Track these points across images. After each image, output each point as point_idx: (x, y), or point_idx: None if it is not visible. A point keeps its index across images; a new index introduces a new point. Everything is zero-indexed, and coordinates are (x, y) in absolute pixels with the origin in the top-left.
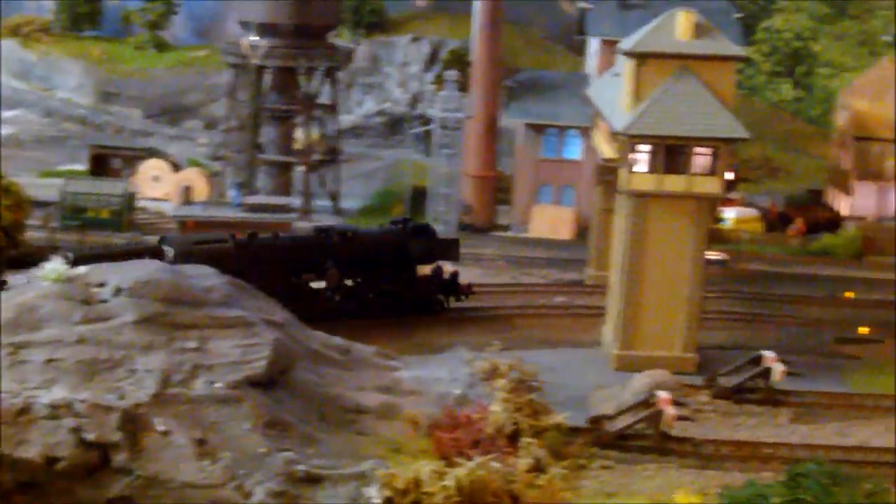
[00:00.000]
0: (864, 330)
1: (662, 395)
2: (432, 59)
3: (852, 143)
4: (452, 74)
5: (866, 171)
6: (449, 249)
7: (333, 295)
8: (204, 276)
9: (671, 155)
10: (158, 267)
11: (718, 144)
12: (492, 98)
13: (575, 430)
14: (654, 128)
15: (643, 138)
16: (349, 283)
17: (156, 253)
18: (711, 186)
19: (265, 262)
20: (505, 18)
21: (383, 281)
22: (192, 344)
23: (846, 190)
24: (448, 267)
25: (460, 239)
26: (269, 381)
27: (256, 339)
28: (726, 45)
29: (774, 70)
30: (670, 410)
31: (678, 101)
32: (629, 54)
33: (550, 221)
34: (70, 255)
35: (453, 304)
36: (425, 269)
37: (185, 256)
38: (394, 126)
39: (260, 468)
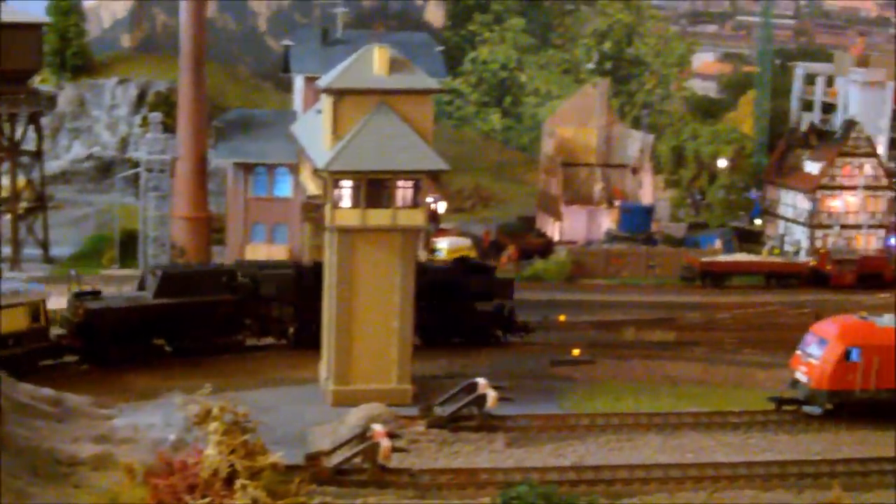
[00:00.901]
0: (576, 351)
1: (377, 427)
2: (140, 100)
3: (560, 169)
4: (157, 116)
5: (574, 196)
6: (504, 288)
7: None
8: None
9: (374, 189)
10: None
11: (419, 177)
12: (199, 138)
13: (293, 469)
14: (354, 163)
15: (344, 174)
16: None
17: (232, 275)
18: (415, 219)
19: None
20: (210, 58)
21: (444, 312)
22: None
23: (556, 215)
24: None
25: (514, 279)
26: None
27: None
28: (421, 79)
29: (483, 100)
30: (385, 443)
31: (377, 136)
32: (326, 91)
33: None
34: (159, 271)
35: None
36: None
37: (253, 280)
38: (104, 170)
39: None
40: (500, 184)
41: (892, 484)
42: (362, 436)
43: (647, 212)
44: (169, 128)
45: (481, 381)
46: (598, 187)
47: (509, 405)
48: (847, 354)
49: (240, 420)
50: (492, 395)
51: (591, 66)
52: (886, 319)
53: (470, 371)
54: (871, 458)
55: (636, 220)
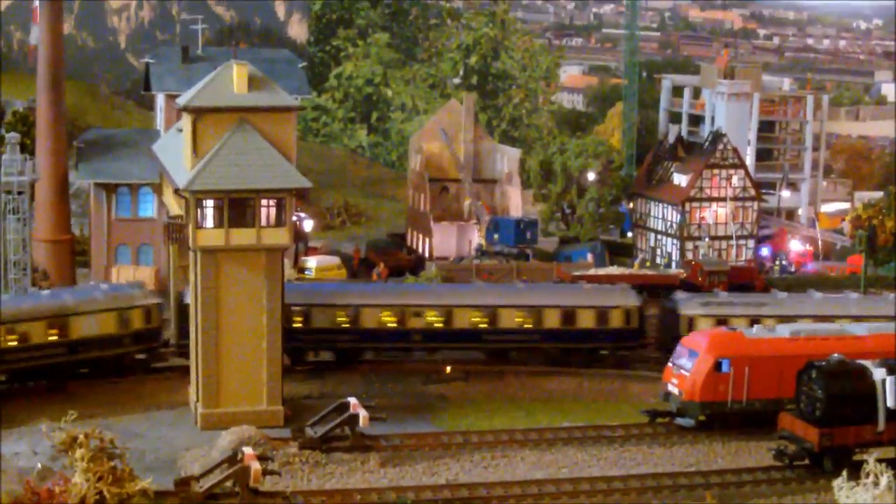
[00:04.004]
0: (448, 369)
1: (248, 450)
2: None
3: (428, 185)
4: (14, 137)
5: (444, 212)
6: None
7: None
8: None
9: (237, 209)
10: None
11: (282, 195)
12: (60, 159)
13: (163, 494)
14: (214, 183)
15: (205, 193)
16: None
17: None
18: (280, 238)
19: None
20: (70, 76)
21: None
22: None
23: (426, 231)
24: None
25: None
26: None
27: None
28: (281, 97)
29: (349, 116)
30: (256, 465)
31: (238, 155)
32: (185, 109)
33: None
34: None
35: None
36: None
37: None
38: None
39: None
40: (369, 201)
41: (764, 493)
42: (232, 459)
43: (528, 225)
44: (28, 148)
45: (352, 400)
46: (467, 203)
47: (382, 425)
48: (718, 366)
49: (106, 446)
50: (363, 414)
51: (457, 80)
52: (756, 330)
53: (342, 391)
54: (745, 469)
55: (517, 234)
